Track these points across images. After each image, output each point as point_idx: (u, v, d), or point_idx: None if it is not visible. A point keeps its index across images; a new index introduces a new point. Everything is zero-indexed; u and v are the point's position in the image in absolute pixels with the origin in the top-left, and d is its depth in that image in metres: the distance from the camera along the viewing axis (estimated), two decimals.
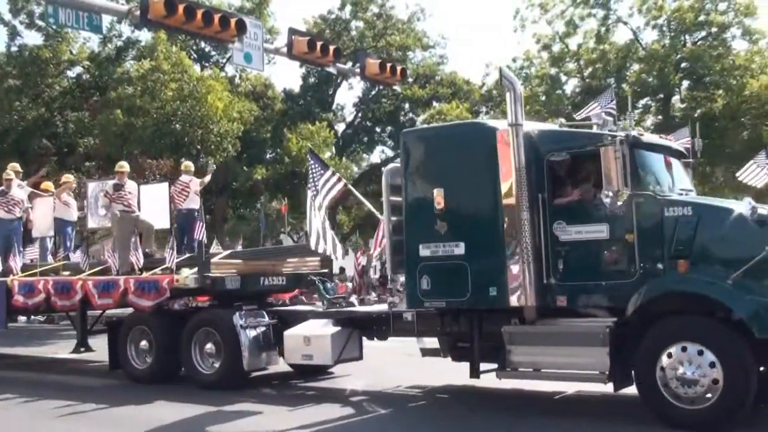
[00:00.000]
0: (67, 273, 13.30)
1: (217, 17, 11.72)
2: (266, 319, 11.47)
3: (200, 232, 12.37)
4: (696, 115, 26.39)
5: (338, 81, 35.46)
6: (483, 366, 9.59)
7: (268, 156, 31.41)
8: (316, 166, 11.17)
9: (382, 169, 10.87)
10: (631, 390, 8.55)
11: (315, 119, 32.60)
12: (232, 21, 11.99)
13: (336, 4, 35.30)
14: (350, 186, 11.44)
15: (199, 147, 25.74)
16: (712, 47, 28.22)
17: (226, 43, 12.80)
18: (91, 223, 15.75)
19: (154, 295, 11.42)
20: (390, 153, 39.87)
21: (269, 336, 11.31)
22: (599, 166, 8.22)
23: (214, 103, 25.22)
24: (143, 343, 12.10)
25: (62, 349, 17.79)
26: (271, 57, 22.75)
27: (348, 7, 35.32)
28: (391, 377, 11.77)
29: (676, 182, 9.13)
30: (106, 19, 13.87)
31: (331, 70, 15.26)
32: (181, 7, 11.11)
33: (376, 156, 41.22)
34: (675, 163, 9.34)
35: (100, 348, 16.41)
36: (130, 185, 13.74)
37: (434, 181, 9.48)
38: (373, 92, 36.26)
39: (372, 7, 35.53)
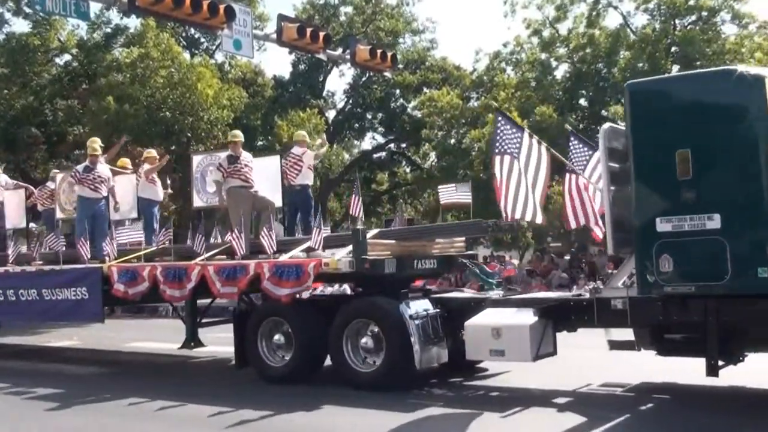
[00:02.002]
0: (169, 258, 11.94)
1: (205, 4, 11.65)
2: (432, 308, 9.97)
3: (357, 208, 10.83)
4: None
5: (328, 67, 35.39)
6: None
7: (258, 143, 31.33)
8: (509, 128, 9.30)
9: (601, 127, 9.12)
10: None
11: (305, 106, 32.59)
12: (221, 7, 11.93)
13: None
14: (552, 150, 9.66)
15: (189, 135, 25.71)
16: (703, 31, 28.19)
17: (215, 30, 12.74)
18: (198, 202, 13.88)
19: (293, 282, 9.90)
20: (381, 139, 40.00)
21: (438, 328, 9.84)
22: None
23: (204, 91, 25.15)
24: (277, 337, 10.51)
25: (56, 339, 17.72)
26: (261, 44, 22.78)
27: None
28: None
29: None
30: (94, 6, 13.71)
31: (321, 56, 15.23)
32: None
33: (368, 143, 41.30)
34: None
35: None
36: (246, 157, 12.15)
37: (676, 141, 7.95)
38: (364, 78, 36.18)
39: None
